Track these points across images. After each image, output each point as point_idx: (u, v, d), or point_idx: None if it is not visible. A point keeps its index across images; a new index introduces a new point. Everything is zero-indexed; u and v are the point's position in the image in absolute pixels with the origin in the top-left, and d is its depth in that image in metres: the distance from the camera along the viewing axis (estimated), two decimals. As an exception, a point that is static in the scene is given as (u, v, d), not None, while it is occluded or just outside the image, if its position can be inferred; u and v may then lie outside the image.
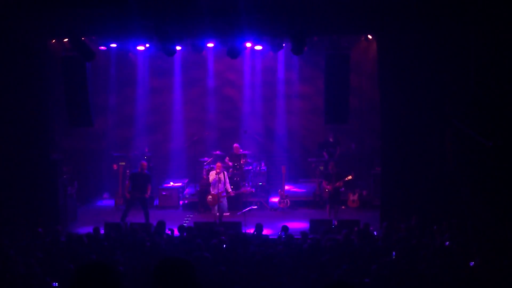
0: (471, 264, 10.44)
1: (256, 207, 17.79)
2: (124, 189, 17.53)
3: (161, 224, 13.71)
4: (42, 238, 13.20)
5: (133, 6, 13.97)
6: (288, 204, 18.27)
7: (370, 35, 16.59)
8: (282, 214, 17.92)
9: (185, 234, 13.22)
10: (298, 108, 21.82)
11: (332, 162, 17.15)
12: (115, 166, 19.79)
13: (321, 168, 19.63)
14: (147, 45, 17.46)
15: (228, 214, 16.63)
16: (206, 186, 17.54)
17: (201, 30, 15.29)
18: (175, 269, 3.75)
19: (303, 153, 21.54)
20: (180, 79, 21.48)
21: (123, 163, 19.17)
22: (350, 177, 16.74)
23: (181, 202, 19.16)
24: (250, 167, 19.37)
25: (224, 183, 16.14)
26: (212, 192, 16.04)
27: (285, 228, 13.76)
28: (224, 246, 12.30)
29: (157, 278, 3.73)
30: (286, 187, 18.85)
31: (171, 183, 19.85)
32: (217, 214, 16.00)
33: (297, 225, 16.16)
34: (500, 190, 12.62)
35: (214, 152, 19.34)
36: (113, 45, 17.63)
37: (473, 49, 13.58)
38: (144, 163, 16.71)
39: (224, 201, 16.16)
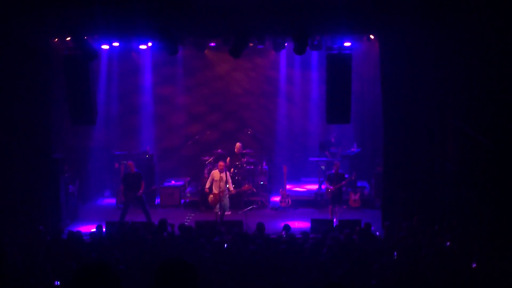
0: (473, 266, 10.42)
1: (257, 206, 17.75)
2: (119, 193, 17.64)
3: (163, 223, 13.71)
4: (43, 236, 13.22)
5: (136, 6, 13.99)
6: (290, 204, 18.25)
7: (372, 35, 16.58)
8: (283, 213, 17.90)
9: (186, 233, 13.21)
10: (299, 107, 21.83)
11: (337, 162, 17.16)
12: (116, 165, 19.80)
13: (323, 167, 19.57)
14: (150, 44, 17.45)
15: (229, 213, 16.63)
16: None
17: (203, 29, 15.31)
18: (176, 271, 3.71)
19: (304, 152, 21.51)
20: (183, 76, 21.48)
21: (125, 162, 19.17)
22: (352, 178, 16.77)
23: (182, 201, 19.17)
24: (252, 166, 19.32)
25: (226, 182, 16.15)
26: (214, 191, 16.04)
27: (287, 227, 13.75)
28: (226, 245, 12.30)
29: (158, 280, 3.70)
30: (288, 187, 18.85)
31: (173, 182, 19.86)
32: (219, 213, 16.00)
33: (298, 225, 16.15)
34: (502, 191, 12.60)
35: (216, 151, 19.32)
36: (116, 44, 17.54)
37: (476, 49, 13.56)
38: (130, 162, 16.86)
39: (226, 200, 16.17)
